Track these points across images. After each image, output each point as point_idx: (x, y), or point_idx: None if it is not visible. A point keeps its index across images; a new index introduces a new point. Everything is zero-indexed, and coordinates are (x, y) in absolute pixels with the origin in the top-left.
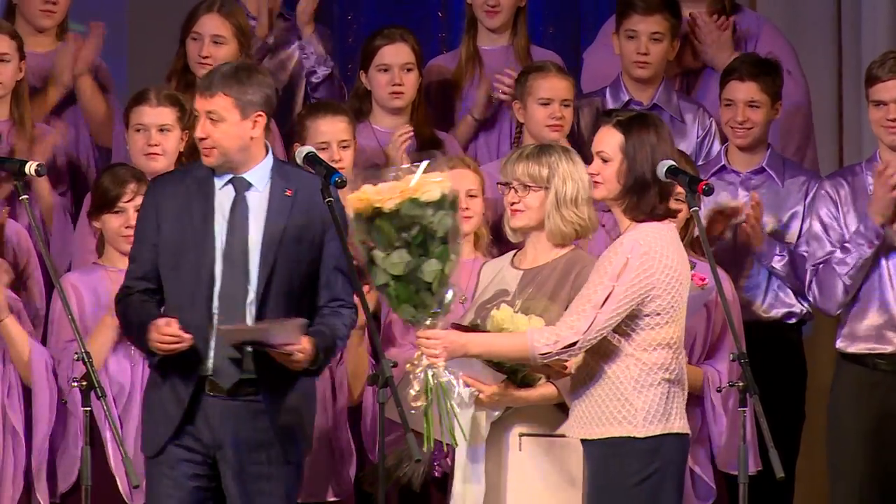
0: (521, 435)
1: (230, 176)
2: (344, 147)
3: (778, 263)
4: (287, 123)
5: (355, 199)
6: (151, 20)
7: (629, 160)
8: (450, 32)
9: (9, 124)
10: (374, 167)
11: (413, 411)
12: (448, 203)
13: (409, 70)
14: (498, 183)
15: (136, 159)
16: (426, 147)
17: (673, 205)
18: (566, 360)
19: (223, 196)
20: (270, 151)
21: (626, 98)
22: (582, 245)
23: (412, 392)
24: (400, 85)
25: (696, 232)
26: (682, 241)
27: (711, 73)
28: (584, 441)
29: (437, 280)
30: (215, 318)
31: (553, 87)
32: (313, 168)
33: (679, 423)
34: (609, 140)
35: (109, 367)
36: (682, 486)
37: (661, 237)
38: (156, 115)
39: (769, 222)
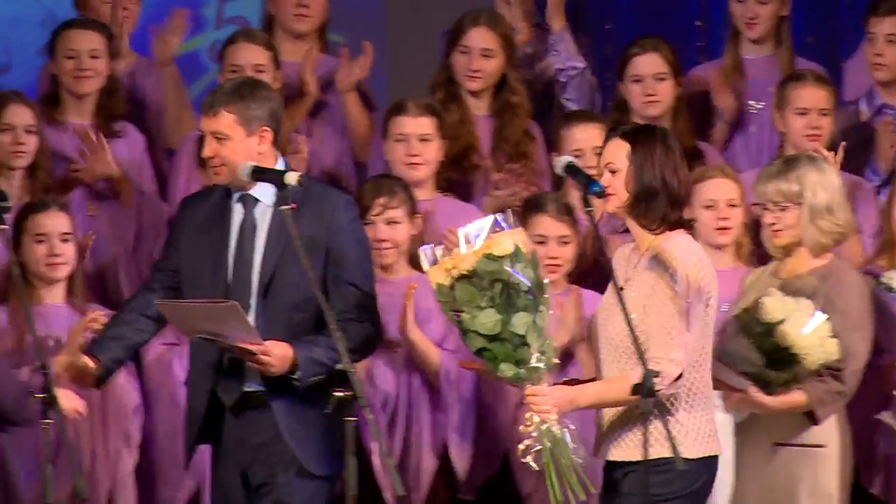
0: (775, 444)
1: (241, 193)
2: (599, 154)
3: None
4: (546, 133)
5: (435, 270)
6: (411, 29)
7: (636, 168)
8: (708, 41)
9: None
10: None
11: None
12: (523, 254)
13: (661, 80)
14: (752, 204)
15: (397, 168)
16: (687, 158)
17: (687, 214)
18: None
19: (236, 214)
20: (281, 164)
21: (880, 103)
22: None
23: (521, 448)
24: (652, 95)
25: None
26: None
27: None
28: (615, 463)
29: (530, 332)
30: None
31: (810, 96)
32: (573, 178)
33: (716, 445)
34: (616, 151)
35: (375, 376)
36: None
37: (694, 245)
38: (416, 125)
39: None
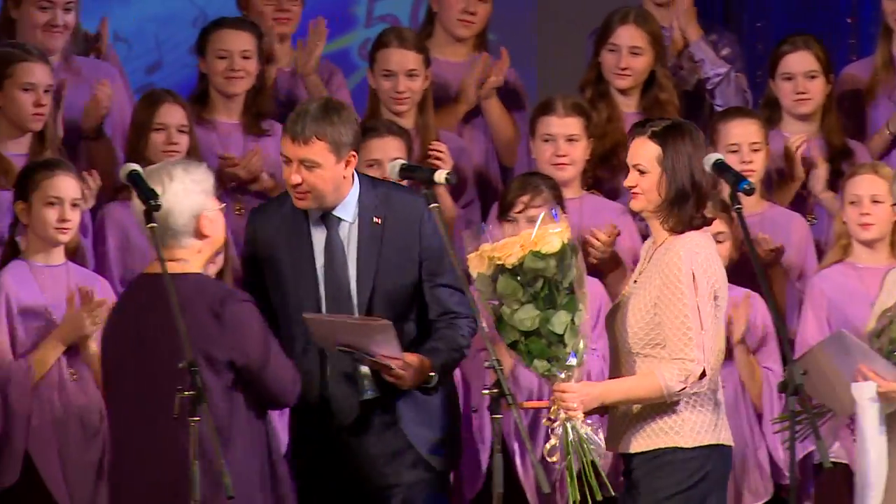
0: None
1: (321, 213)
2: (755, 150)
3: None
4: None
5: (476, 258)
6: (560, 27)
7: (668, 172)
8: (859, 38)
9: (413, 132)
10: None
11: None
12: (569, 253)
13: (812, 77)
14: (892, 204)
15: (543, 168)
16: (837, 156)
17: (833, 209)
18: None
19: (317, 234)
20: (356, 179)
21: None
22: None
23: (547, 447)
24: (803, 93)
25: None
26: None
27: None
28: (629, 455)
29: (567, 331)
30: (327, 358)
31: None
32: (722, 176)
33: (723, 435)
34: (645, 152)
35: (519, 374)
36: (725, 500)
37: (706, 245)
38: (563, 125)
39: None
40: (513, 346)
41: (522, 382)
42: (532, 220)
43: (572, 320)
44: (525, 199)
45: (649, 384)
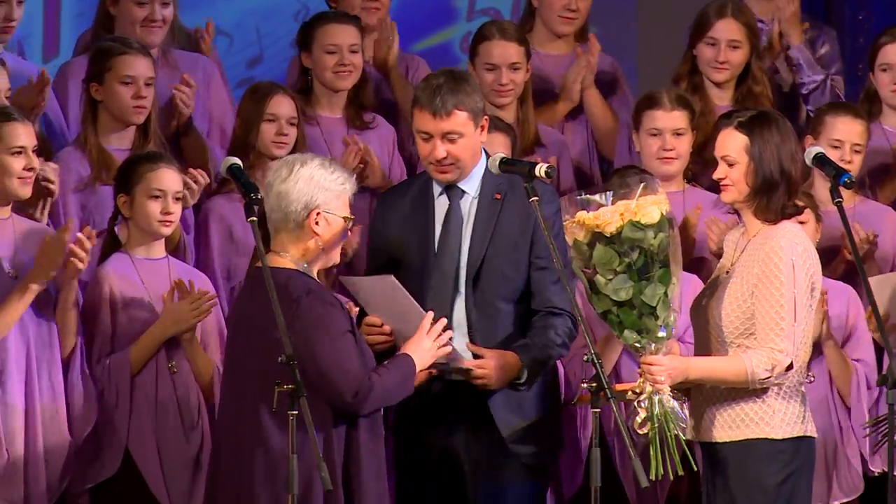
0: None
1: (445, 185)
2: (856, 151)
3: None
4: (796, 123)
5: (574, 225)
6: (660, 20)
7: (755, 162)
8: None
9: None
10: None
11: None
12: (667, 224)
13: None
14: None
15: (649, 163)
16: None
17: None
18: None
19: (440, 206)
20: (483, 154)
21: None
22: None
23: (638, 420)
24: None
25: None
26: None
27: None
28: (715, 444)
29: (660, 303)
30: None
31: None
32: (823, 169)
33: (809, 427)
34: (732, 143)
35: (621, 368)
36: (811, 490)
37: (804, 236)
38: (670, 119)
39: None
40: (604, 315)
41: (624, 377)
42: None
43: (665, 293)
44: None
45: (735, 367)
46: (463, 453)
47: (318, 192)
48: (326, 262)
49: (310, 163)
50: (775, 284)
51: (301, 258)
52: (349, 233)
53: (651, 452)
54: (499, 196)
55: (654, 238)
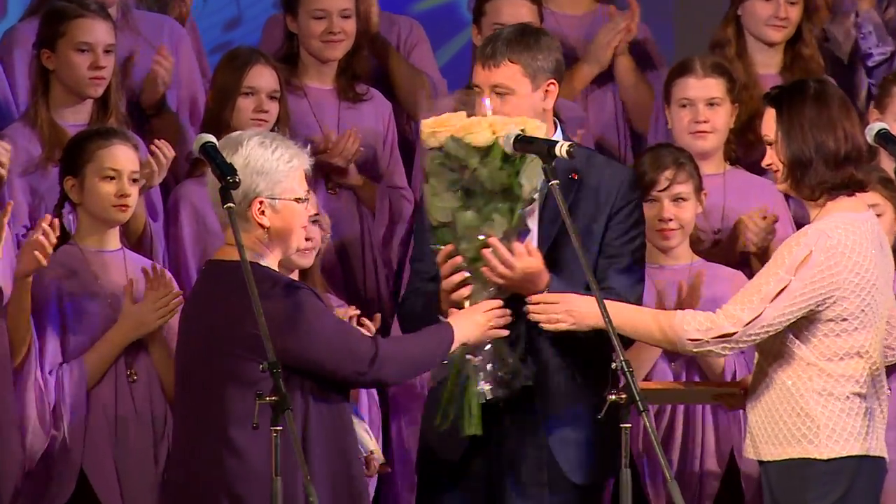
0: None
1: None
2: None
3: None
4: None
5: (425, 126)
6: None
7: (784, 136)
8: None
9: None
10: None
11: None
12: (500, 154)
13: None
14: None
15: (681, 138)
16: None
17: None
18: (717, 357)
19: None
20: (559, 127)
21: None
22: None
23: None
24: None
25: None
26: None
27: None
28: (762, 463)
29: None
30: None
31: None
32: (886, 147)
33: (873, 445)
34: (769, 121)
35: (653, 377)
36: None
37: (854, 229)
38: (703, 87)
39: None
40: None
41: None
42: (678, 199)
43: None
44: (669, 174)
45: (663, 320)
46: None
47: (257, 177)
48: (286, 250)
49: (245, 144)
50: (777, 261)
51: (253, 250)
52: (307, 209)
53: (443, 400)
54: (575, 176)
55: (481, 164)
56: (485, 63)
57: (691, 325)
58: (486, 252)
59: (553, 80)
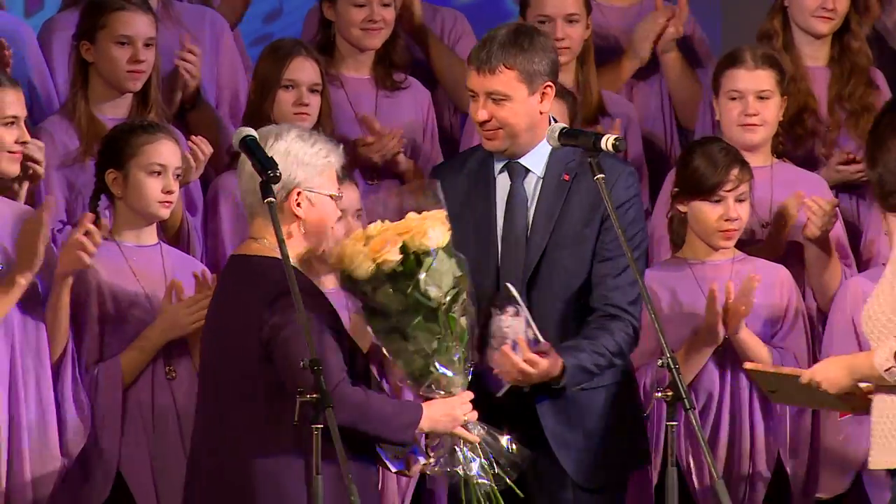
0: None
1: (506, 161)
2: None
3: None
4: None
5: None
6: None
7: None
8: None
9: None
10: None
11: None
12: (385, 277)
13: None
14: None
15: (730, 130)
16: None
17: None
18: None
19: (501, 183)
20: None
21: None
22: None
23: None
24: None
25: None
26: None
27: None
28: (889, 472)
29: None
30: None
31: None
32: None
33: None
34: None
35: (701, 376)
36: None
37: None
38: (753, 79)
39: None
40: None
41: (703, 384)
42: (740, 198)
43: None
44: (737, 173)
45: (870, 360)
46: None
47: (298, 168)
48: (316, 247)
49: (286, 135)
50: (890, 280)
51: (291, 250)
52: (337, 208)
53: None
54: (567, 177)
55: (373, 293)
56: (479, 68)
57: (881, 357)
58: (501, 358)
59: (549, 83)
